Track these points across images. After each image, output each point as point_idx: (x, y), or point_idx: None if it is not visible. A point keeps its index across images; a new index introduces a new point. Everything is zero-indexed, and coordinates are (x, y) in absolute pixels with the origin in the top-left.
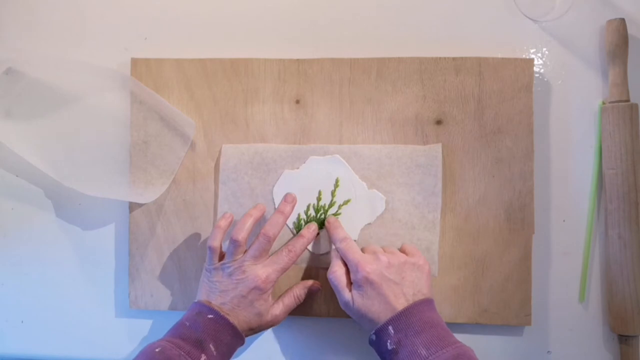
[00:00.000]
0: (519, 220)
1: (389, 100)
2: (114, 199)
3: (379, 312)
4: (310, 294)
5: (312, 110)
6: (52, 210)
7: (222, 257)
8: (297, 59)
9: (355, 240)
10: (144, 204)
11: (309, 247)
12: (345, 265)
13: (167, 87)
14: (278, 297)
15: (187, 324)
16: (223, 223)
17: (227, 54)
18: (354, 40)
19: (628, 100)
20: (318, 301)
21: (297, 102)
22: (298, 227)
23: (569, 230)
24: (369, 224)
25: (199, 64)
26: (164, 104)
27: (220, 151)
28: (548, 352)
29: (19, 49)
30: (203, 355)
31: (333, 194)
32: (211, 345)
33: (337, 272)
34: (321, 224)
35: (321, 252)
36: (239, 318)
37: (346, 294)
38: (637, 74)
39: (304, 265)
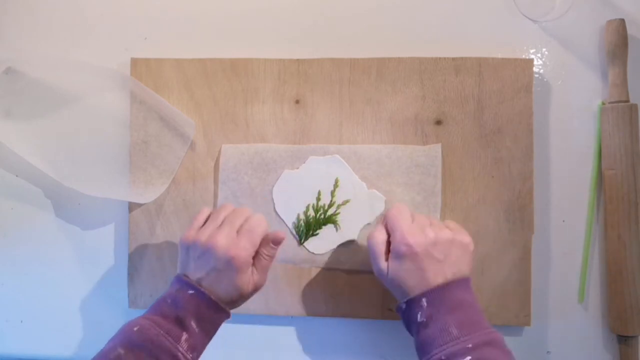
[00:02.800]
0: (519, 220)
1: (389, 101)
2: (113, 199)
3: (414, 285)
4: (277, 244)
5: (312, 110)
6: (52, 210)
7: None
8: (297, 59)
9: (354, 241)
10: (144, 204)
11: (309, 248)
12: (388, 233)
13: (167, 87)
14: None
15: (169, 300)
16: (202, 217)
17: (227, 54)
18: (354, 40)
19: (628, 101)
20: (318, 301)
21: (297, 102)
22: (298, 228)
23: (568, 231)
24: (369, 224)
25: (199, 64)
26: (164, 104)
27: (220, 151)
28: (547, 352)
29: (19, 49)
30: (184, 333)
31: (332, 194)
32: (192, 323)
33: (377, 238)
34: (321, 224)
35: (321, 252)
36: (219, 293)
37: (382, 263)
38: (636, 75)
39: (304, 266)
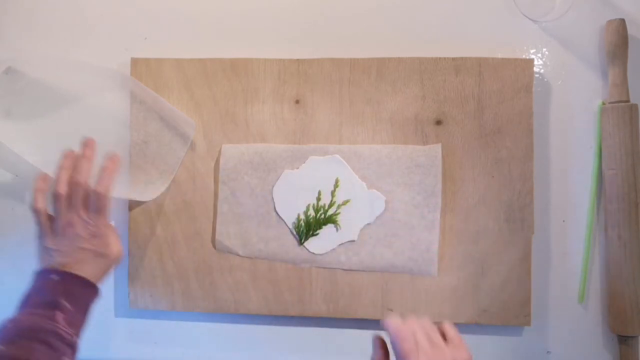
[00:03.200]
0: (519, 220)
1: (389, 101)
2: (114, 197)
3: None
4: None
5: (312, 110)
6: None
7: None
8: (297, 59)
9: (354, 241)
10: (144, 204)
11: (309, 248)
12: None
13: (167, 87)
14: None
15: (34, 293)
16: (41, 184)
17: (227, 54)
18: (354, 40)
19: (628, 101)
20: (318, 301)
21: (297, 102)
22: (298, 228)
23: (568, 231)
24: (369, 224)
25: (199, 64)
26: (164, 104)
27: (220, 151)
28: (547, 352)
29: (19, 49)
30: (58, 312)
31: (333, 194)
32: (64, 302)
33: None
34: (321, 224)
35: (321, 252)
36: (86, 270)
37: None
38: (637, 75)
39: (304, 266)
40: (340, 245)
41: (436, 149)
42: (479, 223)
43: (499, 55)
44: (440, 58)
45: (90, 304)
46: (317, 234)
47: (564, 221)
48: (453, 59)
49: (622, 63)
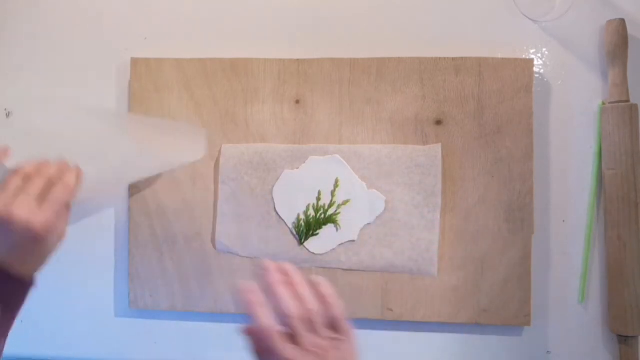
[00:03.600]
0: (519, 220)
1: (389, 100)
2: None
3: None
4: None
5: (312, 110)
6: None
7: None
8: (297, 59)
9: (354, 241)
10: (144, 203)
11: (309, 248)
12: None
13: (167, 87)
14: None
15: None
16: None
17: (227, 54)
18: (354, 40)
19: (628, 101)
20: None
21: (297, 102)
22: (298, 228)
23: (568, 231)
24: (369, 224)
25: (199, 64)
26: (170, 126)
27: (220, 151)
28: (547, 352)
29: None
30: None
31: (333, 194)
32: None
33: None
34: (321, 224)
35: (321, 252)
36: (22, 267)
37: None
38: (637, 75)
39: (304, 266)
40: (340, 245)
41: (436, 149)
42: (479, 223)
43: (499, 55)
44: (440, 58)
45: (19, 298)
46: (317, 234)
47: (564, 221)
48: (453, 59)
49: (622, 63)
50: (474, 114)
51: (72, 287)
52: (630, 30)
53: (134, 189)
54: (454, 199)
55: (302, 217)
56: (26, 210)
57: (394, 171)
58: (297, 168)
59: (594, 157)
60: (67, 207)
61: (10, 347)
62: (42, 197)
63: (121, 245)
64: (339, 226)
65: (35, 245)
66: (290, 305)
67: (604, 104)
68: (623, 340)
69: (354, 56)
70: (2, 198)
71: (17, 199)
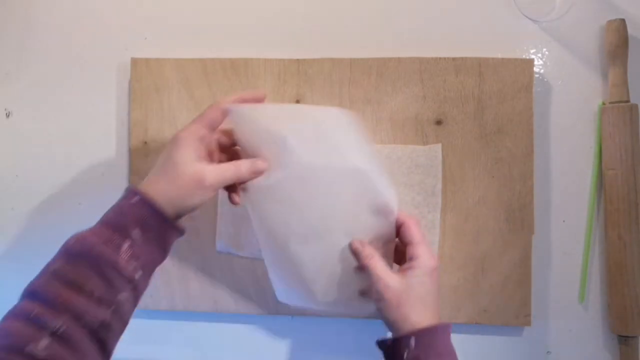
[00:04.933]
0: (519, 220)
1: (389, 100)
2: None
3: (428, 308)
4: (253, 175)
5: None
6: (52, 210)
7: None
8: (297, 59)
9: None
10: None
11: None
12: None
13: (167, 87)
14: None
15: (112, 210)
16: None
17: (227, 54)
18: (354, 40)
19: (628, 101)
20: None
21: (297, 102)
22: None
23: (568, 231)
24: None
25: (199, 63)
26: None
27: None
28: (548, 352)
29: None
30: (126, 241)
31: None
32: (136, 231)
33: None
34: None
35: None
36: (161, 194)
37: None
38: (637, 75)
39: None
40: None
41: (436, 149)
42: (479, 223)
43: (499, 55)
44: (440, 58)
45: (168, 242)
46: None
47: (564, 221)
48: (453, 59)
49: (622, 63)
50: (474, 114)
51: None
52: (630, 30)
53: None
54: (454, 199)
55: None
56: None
57: (394, 171)
58: None
59: (594, 157)
60: (234, 167)
61: None
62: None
63: None
64: None
65: (173, 150)
66: None
67: (604, 104)
68: (623, 340)
69: (354, 56)
70: None
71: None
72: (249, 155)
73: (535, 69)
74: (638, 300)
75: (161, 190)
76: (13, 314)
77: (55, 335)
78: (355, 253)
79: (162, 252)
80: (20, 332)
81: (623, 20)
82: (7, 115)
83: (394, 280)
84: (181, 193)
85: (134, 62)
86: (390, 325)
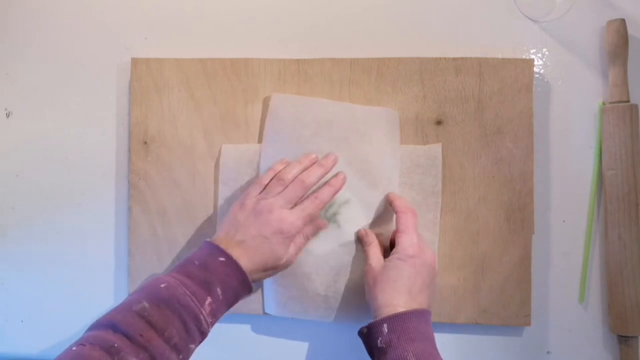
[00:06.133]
0: (519, 220)
1: (389, 100)
2: None
3: (399, 294)
4: (317, 231)
5: None
6: (52, 210)
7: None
8: (297, 59)
9: (353, 242)
10: (144, 203)
11: (309, 248)
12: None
13: (167, 87)
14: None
15: (197, 263)
16: (279, 167)
17: (227, 54)
18: (354, 40)
19: (628, 101)
20: (318, 301)
21: None
22: None
23: (569, 231)
24: (368, 224)
25: (199, 63)
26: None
27: (220, 151)
28: (547, 352)
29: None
30: (209, 297)
31: None
32: (218, 289)
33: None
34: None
35: (321, 252)
36: (254, 260)
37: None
38: (637, 75)
39: (306, 267)
40: (340, 245)
41: (436, 149)
42: (479, 223)
43: (499, 55)
44: (440, 58)
45: (238, 300)
46: (317, 234)
47: (564, 221)
48: (453, 59)
49: (622, 63)
50: (474, 114)
51: (72, 287)
52: (630, 31)
53: (134, 189)
54: (454, 199)
55: None
56: (280, 211)
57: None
58: None
59: (594, 157)
60: (305, 238)
61: (10, 347)
62: (297, 206)
63: (121, 245)
64: (339, 226)
65: (278, 244)
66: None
67: (604, 104)
68: (623, 340)
69: (354, 56)
70: (269, 196)
71: (278, 200)
72: (274, 140)
73: (535, 69)
74: (638, 300)
75: (257, 258)
76: (89, 341)
77: None
78: (360, 240)
79: (228, 309)
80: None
81: (623, 20)
82: (7, 115)
83: (376, 262)
84: (273, 268)
85: (134, 62)
86: (370, 307)
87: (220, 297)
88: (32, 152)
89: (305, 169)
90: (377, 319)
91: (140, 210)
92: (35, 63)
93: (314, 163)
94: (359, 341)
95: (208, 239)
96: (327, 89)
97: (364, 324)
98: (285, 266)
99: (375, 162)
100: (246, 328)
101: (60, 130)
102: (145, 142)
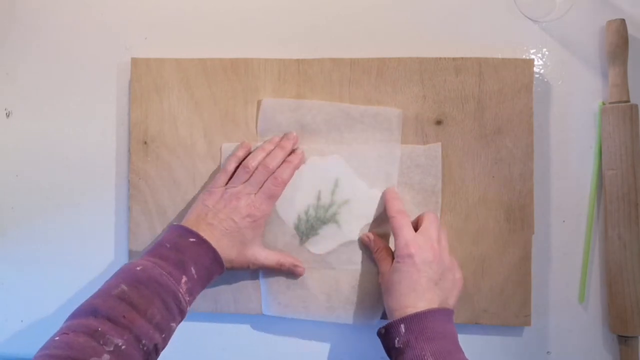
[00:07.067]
0: (519, 220)
1: (389, 100)
2: None
3: (404, 295)
4: (289, 272)
5: None
6: (52, 210)
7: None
8: (297, 59)
9: (355, 241)
10: (144, 203)
11: (309, 248)
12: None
13: (167, 87)
14: (269, 249)
15: (168, 245)
16: (241, 153)
17: (227, 54)
18: (354, 40)
19: (628, 101)
20: (318, 301)
21: None
22: (298, 228)
23: (568, 231)
24: (368, 224)
25: (199, 63)
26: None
27: (220, 151)
28: (547, 352)
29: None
30: (184, 276)
31: (333, 193)
32: (192, 268)
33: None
34: (321, 224)
35: (322, 252)
36: (223, 242)
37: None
38: (637, 75)
39: (305, 266)
40: (340, 245)
41: (436, 149)
42: (479, 223)
43: (499, 55)
44: (440, 58)
45: (212, 279)
46: (318, 233)
47: (564, 221)
48: (453, 59)
49: (622, 63)
50: (474, 114)
51: (72, 287)
52: (630, 31)
53: (134, 189)
54: (454, 199)
55: (303, 217)
56: (247, 200)
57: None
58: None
59: (594, 157)
60: (277, 262)
61: (10, 347)
62: (262, 191)
63: (121, 245)
64: (339, 226)
65: (245, 225)
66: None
67: (604, 104)
68: (623, 340)
69: (354, 56)
70: (236, 185)
71: (245, 187)
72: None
73: (535, 69)
74: (638, 300)
75: (223, 244)
76: (72, 329)
77: (116, 352)
78: (366, 247)
79: (204, 288)
80: (82, 345)
81: (623, 20)
82: (7, 115)
83: (385, 268)
84: (236, 259)
85: (134, 62)
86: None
87: (195, 275)
88: (32, 152)
89: (265, 150)
90: (395, 319)
91: (140, 210)
92: (35, 63)
93: (274, 144)
94: (359, 341)
95: (175, 223)
96: (327, 89)
97: (365, 323)
98: (248, 264)
99: (374, 162)
100: (246, 328)
101: (60, 130)
102: (145, 142)
